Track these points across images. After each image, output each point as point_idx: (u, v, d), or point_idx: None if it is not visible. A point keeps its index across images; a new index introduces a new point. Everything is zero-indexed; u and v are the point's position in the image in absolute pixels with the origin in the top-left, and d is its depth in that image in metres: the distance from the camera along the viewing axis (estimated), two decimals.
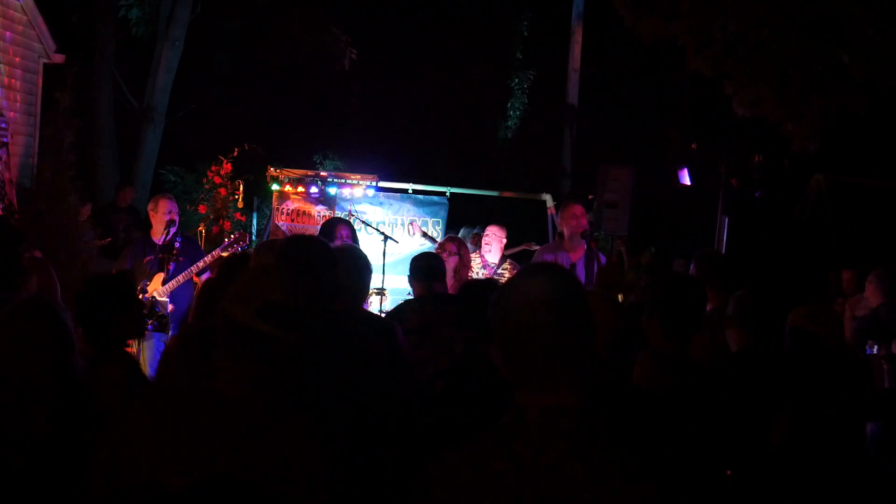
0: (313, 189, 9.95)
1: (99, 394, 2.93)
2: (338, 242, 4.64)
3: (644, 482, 1.63)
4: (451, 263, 5.89)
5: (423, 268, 4.69)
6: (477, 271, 6.89)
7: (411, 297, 4.84)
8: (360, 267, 3.36)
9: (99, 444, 1.94)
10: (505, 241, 7.35)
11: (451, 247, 6.10)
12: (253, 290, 1.89)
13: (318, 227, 9.87)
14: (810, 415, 3.68)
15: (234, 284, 1.95)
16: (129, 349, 3.49)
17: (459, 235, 8.64)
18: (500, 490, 1.64)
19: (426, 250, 9.34)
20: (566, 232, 6.65)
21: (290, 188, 10.01)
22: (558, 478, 1.62)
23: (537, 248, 8.17)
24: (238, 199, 11.27)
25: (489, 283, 4.45)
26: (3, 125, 9.39)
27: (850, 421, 3.79)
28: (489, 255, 7.13)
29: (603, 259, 6.68)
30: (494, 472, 1.66)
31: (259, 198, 11.84)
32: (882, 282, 6.65)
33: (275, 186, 10.04)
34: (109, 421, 2.00)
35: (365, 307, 3.83)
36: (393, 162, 13.44)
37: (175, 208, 6.62)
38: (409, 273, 4.77)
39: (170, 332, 6.09)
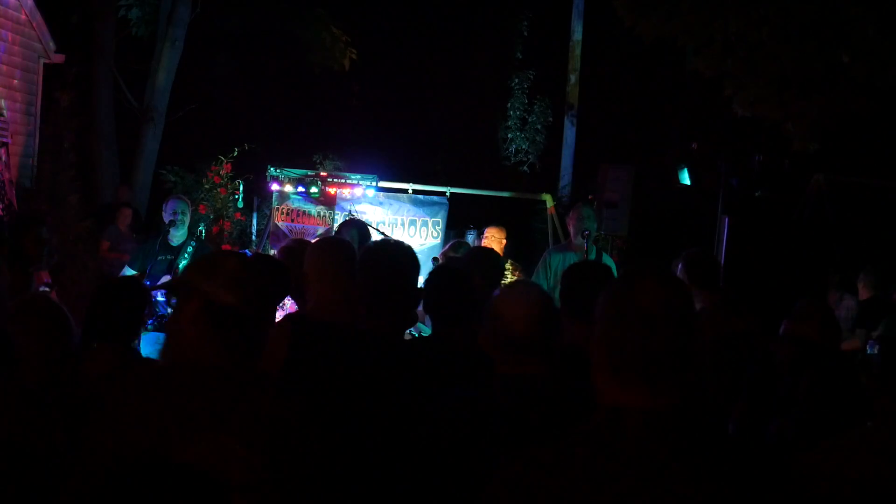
0: (313, 189, 9.95)
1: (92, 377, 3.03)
2: None
3: (749, 484, 1.67)
4: None
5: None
6: None
7: None
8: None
9: (90, 420, 1.99)
10: (504, 241, 7.36)
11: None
12: (214, 267, 1.96)
13: (318, 226, 9.98)
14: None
15: (196, 262, 2.07)
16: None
17: (466, 240, 8.66)
18: (602, 488, 1.65)
19: (428, 247, 9.38)
20: (572, 232, 6.70)
21: (291, 188, 10.01)
22: (665, 478, 1.64)
23: None
24: (238, 199, 11.27)
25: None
26: (4, 125, 9.39)
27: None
28: None
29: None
30: (596, 470, 1.66)
31: (259, 198, 11.84)
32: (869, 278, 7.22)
33: (275, 186, 10.04)
34: (100, 399, 2.03)
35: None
36: (393, 162, 13.42)
37: (175, 207, 6.54)
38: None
39: None
